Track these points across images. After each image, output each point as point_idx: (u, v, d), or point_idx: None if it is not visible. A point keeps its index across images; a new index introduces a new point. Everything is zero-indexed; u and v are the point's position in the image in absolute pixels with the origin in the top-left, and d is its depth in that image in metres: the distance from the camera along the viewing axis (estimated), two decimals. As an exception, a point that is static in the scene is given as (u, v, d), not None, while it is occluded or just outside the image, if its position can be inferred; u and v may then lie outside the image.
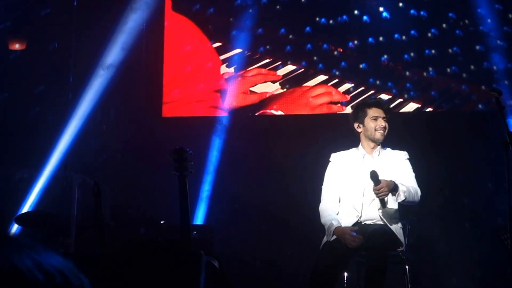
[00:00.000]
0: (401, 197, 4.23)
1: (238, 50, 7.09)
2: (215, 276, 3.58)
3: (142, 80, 7.29)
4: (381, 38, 6.74)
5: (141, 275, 3.46)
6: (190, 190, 4.21)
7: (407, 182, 4.41)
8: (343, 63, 6.84)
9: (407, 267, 4.37)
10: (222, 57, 7.13)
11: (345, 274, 4.39)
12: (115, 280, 3.43)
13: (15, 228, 6.10)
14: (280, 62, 7.00)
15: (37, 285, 0.93)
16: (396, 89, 6.67)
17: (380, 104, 4.59)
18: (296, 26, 6.98)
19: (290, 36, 6.99)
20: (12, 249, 0.96)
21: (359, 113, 4.56)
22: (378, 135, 4.48)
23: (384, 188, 4.14)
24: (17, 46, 7.26)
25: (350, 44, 6.84)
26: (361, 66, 6.80)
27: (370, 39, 6.77)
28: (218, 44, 7.18)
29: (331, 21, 6.89)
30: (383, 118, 4.50)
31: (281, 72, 6.99)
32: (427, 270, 6.07)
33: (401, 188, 4.23)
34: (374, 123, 4.48)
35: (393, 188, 4.20)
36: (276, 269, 6.54)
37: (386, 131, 4.51)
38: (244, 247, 6.64)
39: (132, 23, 7.04)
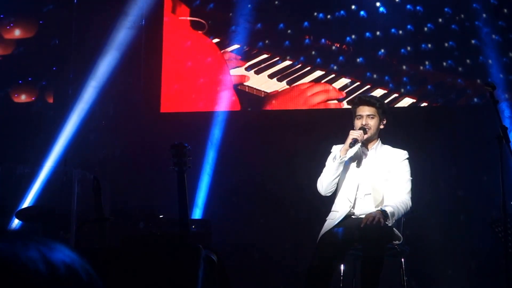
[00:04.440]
0: (391, 223, 4.28)
1: (236, 46, 7.13)
2: (214, 269, 3.63)
3: (141, 76, 7.33)
4: (378, 33, 6.78)
5: (140, 269, 3.52)
6: (189, 184, 4.27)
7: (399, 187, 4.45)
8: (341, 58, 6.88)
9: (403, 259, 4.42)
10: (225, 50, 7.17)
11: (342, 267, 4.44)
12: (115, 274, 3.48)
13: (15, 223, 6.15)
14: (278, 58, 7.05)
15: (39, 277, 0.96)
16: (392, 83, 6.71)
17: (364, 102, 4.52)
18: (294, 21, 7.02)
19: (289, 31, 7.03)
20: (18, 241, 0.98)
21: (351, 112, 4.62)
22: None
23: (374, 218, 4.18)
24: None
25: (348, 39, 6.88)
26: (358, 60, 6.84)
27: (368, 34, 6.81)
28: (216, 40, 7.22)
29: (329, 16, 6.93)
30: (368, 115, 4.46)
31: (279, 67, 7.03)
32: (423, 262, 6.12)
33: (389, 213, 4.26)
34: (358, 122, 4.47)
35: (383, 215, 4.24)
36: (274, 262, 6.59)
37: (372, 129, 4.46)
38: (242, 241, 6.69)
39: (131, 18, 7.08)
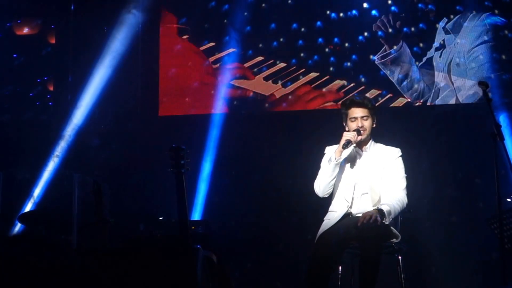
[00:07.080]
0: (388, 221, 4.34)
1: (232, 49, 7.19)
2: (213, 270, 3.68)
3: (139, 80, 7.37)
4: (390, 30, 6.81)
5: (141, 270, 3.57)
6: (188, 186, 4.31)
7: (395, 184, 4.51)
8: (353, 57, 6.90)
9: (400, 257, 4.46)
10: (220, 54, 7.22)
11: (340, 266, 4.48)
12: (116, 275, 3.54)
13: (18, 226, 6.21)
14: (272, 60, 7.10)
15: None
16: (389, 83, 6.74)
17: (357, 104, 4.56)
18: (306, 21, 7.05)
19: (302, 31, 7.03)
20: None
21: (342, 114, 4.65)
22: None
23: (371, 216, 4.23)
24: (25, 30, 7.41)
25: (361, 38, 6.89)
26: (351, 61, 6.87)
27: (379, 33, 6.83)
28: (212, 44, 7.26)
29: (341, 14, 6.96)
30: (361, 117, 4.51)
31: (275, 68, 7.07)
32: (420, 260, 6.16)
33: (386, 212, 4.32)
34: (353, 124, 4.52)
35: (380, 214, 4.30)
36: (273, 262, 6.62)
37: (367, 130, 4.52)
38: (241, 241, 6.72)
39: (128, 24, 7.14)
